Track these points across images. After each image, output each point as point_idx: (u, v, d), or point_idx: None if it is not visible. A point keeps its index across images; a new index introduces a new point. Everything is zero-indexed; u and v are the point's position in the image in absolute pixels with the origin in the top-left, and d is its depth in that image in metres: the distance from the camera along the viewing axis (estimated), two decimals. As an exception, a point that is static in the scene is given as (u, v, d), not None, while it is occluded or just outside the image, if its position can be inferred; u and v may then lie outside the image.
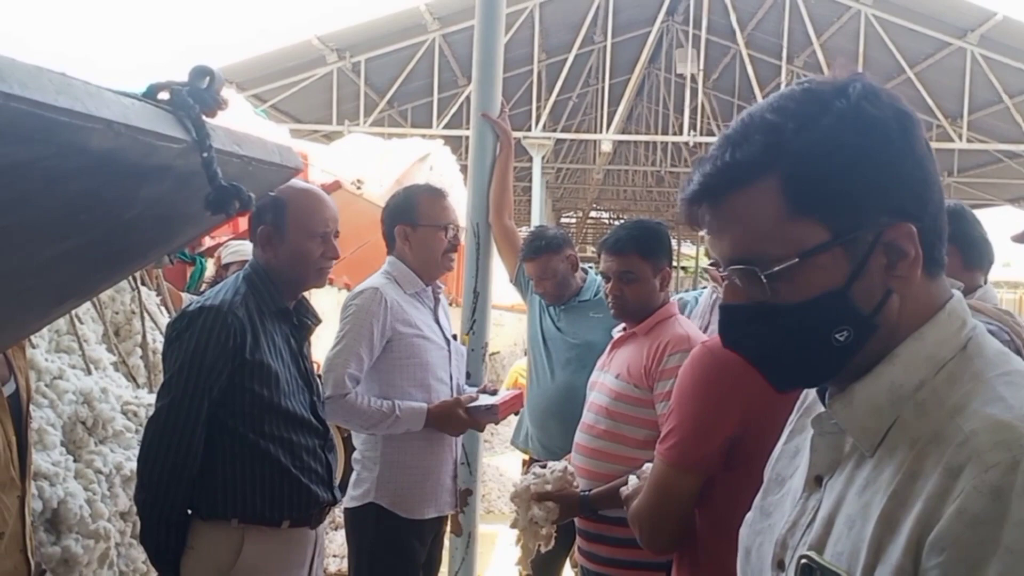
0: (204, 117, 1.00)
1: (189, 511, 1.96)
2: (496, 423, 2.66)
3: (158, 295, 3.98)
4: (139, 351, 3.60)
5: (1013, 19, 11.59)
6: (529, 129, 13.36)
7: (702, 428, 1.44)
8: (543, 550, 2.14)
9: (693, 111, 13.80)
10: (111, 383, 3.14)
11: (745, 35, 13.34)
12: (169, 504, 1.91)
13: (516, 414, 3.02)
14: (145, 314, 3.63)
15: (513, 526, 2.15)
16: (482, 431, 2.74)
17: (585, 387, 2.42)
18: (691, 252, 27.14)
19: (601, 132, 14.92)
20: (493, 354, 9.37)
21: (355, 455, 2.58)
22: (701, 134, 14.33)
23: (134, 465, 2.50)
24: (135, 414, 3.09)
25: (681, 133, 15.04)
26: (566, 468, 2.16)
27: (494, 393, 2.73)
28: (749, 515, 0.98)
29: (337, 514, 3.98)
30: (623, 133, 17.02)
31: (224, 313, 1.93)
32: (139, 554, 2.88)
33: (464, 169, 3.91)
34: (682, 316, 2.37)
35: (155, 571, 2.03)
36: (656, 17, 13.55)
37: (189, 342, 1.91)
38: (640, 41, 14.11)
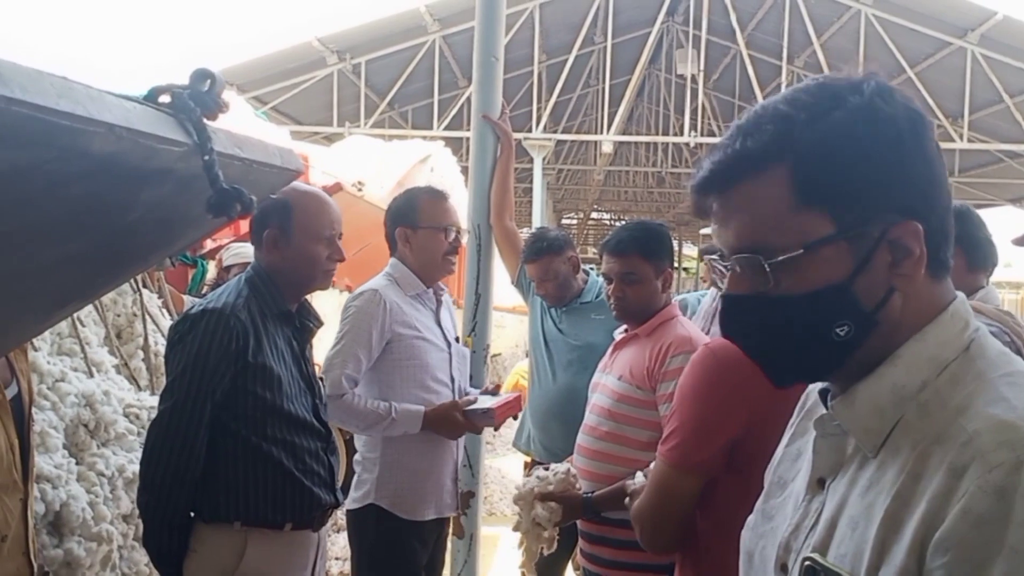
0: (205, 120, 1.00)
1: (192, 514, 1.96)
2: (495, 428, 2.65)
3: (160, 297, 3.98)
4: (141, 354, 3.60)
5: (1013, 19, 11.58)
6: (530, 130, 13.36)
7: (704, 429, 1.44)
8: (546, 552, 2.14)
9: (694, 112, 13.80)
10: (113, 386, 3.14)
11: (745, 35, 13.33)
12: (172, 507, 1.91)
13: (515, 418, 3.02)
14: (147, 317, 3.63)
15: (516, 528, 2.14)
16: (479, 434, 2.74)
17: (587, 389, 2.41)
18: (693, 253, 27.14)
19: (602, 133, 14.92)
20: (495, 356, 9.37)
21: (356, 457, 2.58)
22: (702, 135, 14.33)
23: (136, 468, 2.50)
24: (137, 417, 3.08)
25: (682, 134, 15.03)
26: (569, 470, 2.15)
27: (496, 392, 2.73)
28: (751, 518, 0.98)
29: (339, 517, 3.98)
30: (624, 134, 17.02)
31: (227, 316, 1.93)
32: (141, 557, 2.88)
33: (465, 171, 3.90)
34: (684, 317, 2.36)
35: (158, 574, 2.03)
36: (656, 18, 13.55)
37: (192, 345, 1.91)
38: (640, 42, 14.11)
